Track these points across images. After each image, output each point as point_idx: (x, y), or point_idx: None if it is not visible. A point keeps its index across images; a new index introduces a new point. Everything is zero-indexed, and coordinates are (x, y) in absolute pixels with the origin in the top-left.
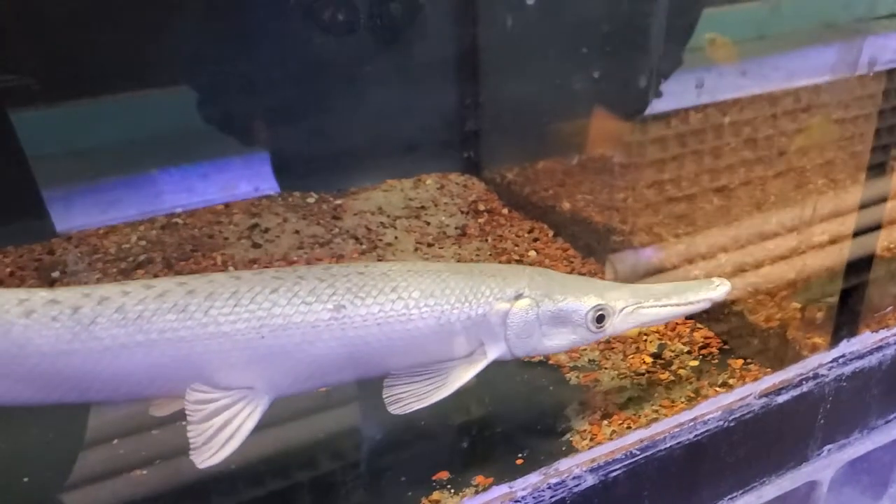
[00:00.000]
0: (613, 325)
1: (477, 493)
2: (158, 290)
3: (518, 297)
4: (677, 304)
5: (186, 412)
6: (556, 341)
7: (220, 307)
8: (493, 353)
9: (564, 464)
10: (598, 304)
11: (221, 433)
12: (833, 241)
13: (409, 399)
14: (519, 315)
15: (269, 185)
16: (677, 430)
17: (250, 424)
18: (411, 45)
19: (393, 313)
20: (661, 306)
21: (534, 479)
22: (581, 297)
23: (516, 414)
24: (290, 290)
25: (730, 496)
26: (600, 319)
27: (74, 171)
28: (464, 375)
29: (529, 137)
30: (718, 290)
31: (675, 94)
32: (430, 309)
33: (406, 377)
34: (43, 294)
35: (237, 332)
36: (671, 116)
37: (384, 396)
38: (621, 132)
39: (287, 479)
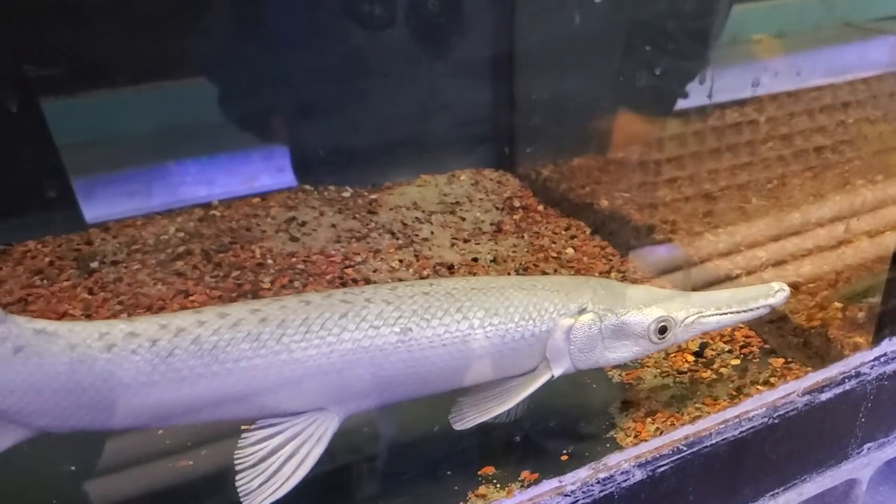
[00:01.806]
0: (675, 336)
1: (523, 487)
2: (232, 320)
3: (581, 311)
4: (737, 312)
5: (237, 459)
6: (619, 353)
7: (291, 334)
8: (557, 368)
9: (613, 459)
10: (661, 316)
11: (288, 464)
12: (875, 240)
13: (472, 413)
14: (582, 330)
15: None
16: (723, 426)
17: (319, 449)
18: (447, 39)
19: (458, 334)
20: (721, 314)
21: (583, 473)
22: (643, 309)
23: (560, 411)
24: (359, 315)
25: (771, 493)
26: (662, 331)
27: (101, 161)
28: (526, 390)
29: (565, 134)
30: (778, 295)
31: (729, 90)
32: (495, 328)
33: (471, 394)
34: (122, 326)
35: (308, 358)
36: (710, 113)
37: (450, 417)
38: (647, 131)
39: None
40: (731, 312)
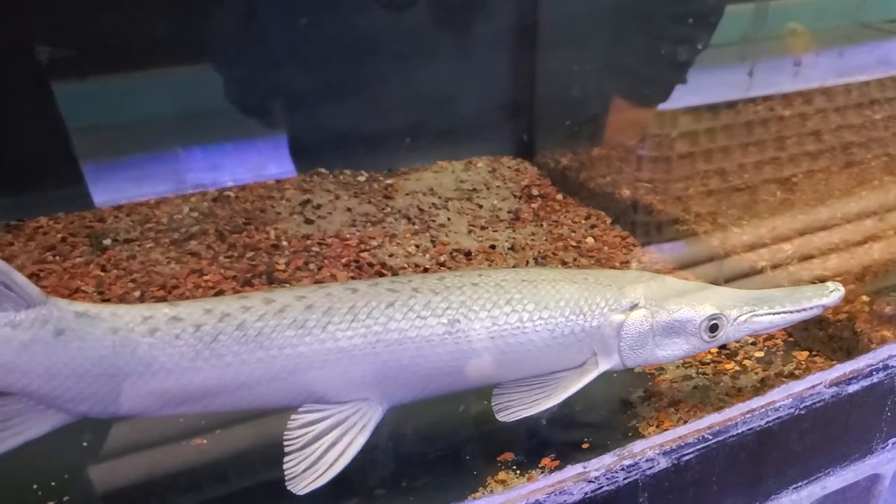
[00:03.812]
0: (726, 334)
1: (544, 474)
2: (278, 306)
3: (633, 307)
4: (790, 311)
5: (286, 441)
6: (669, 351)
7: (337, 322)
8: (606, 364)
9: (638, 446)
10: (713, 314)
11: (331, 451)
12: None
13: (517, 407)
14: (634, 326)
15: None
16: (749, 416)
17: (362, 439)
18: (468, 22)
19: (507, 327)
20: (774, 313)
21: (608, 459)
22: (696, 306)
23: (581, 399)
24: (406, 305)
25: (795, 485)
26: (714, 329)
27: (111, 144)
28: (573, 385)
29: (585, 123)
30: (832, 295)
31: (767, 82)
32: (545, 322)
33: (515, 385)
34: (165, 310)
35: (354, 347)
36: (737, 105)
37: (493, 404)
38: (645, 119)
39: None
40: (783, 312)
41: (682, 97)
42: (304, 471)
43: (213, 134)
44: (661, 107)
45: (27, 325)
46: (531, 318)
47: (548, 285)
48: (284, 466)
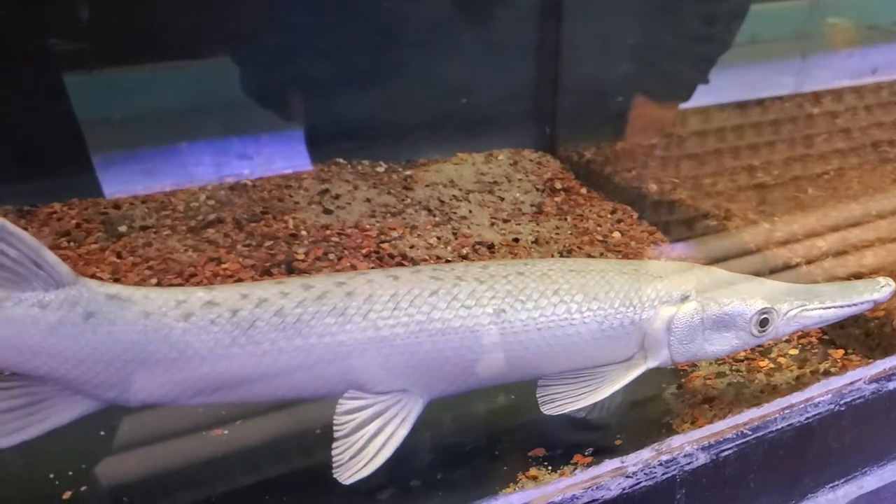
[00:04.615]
0: (776, 329)
1: (576, 471)
2: (317, 292)
3: (684, 299)
4: (841, 306)
5: (335, 426)
6: (718, 346)
7: (379, 310)
8: (655, 359)
9: (676, 441)
10: (764, 308)
11: (373, 442)
12: None
13: (563, 400)
14: (684, 319)
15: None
16: (788, 411)
17: (403, 431)
18: (491, 12)
19: (554, 318)
20: (824, 308)
21: (646, 454)
22: (747, 299)
23: (614, 396)
24: (450, 293)
25: (831, 484)
26: (764, 323)
27: (120, 137)
28: (621, 380)
29: (609, 116)
30: (883, 290)
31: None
32: (593, 313)
33: (560, 378)
34: (200, 295)
35: (396, 336)
36: (767, 102)
37: (538, 396)
38: (666, 117)
39: None
40: (834, 307)
41: (720, 93)
42: (349, 459)
43: (232, 125)
44: (691, 105)
45: (56, 305)
46: (579, 310)
47: (596, 276)
48: (332, 453)
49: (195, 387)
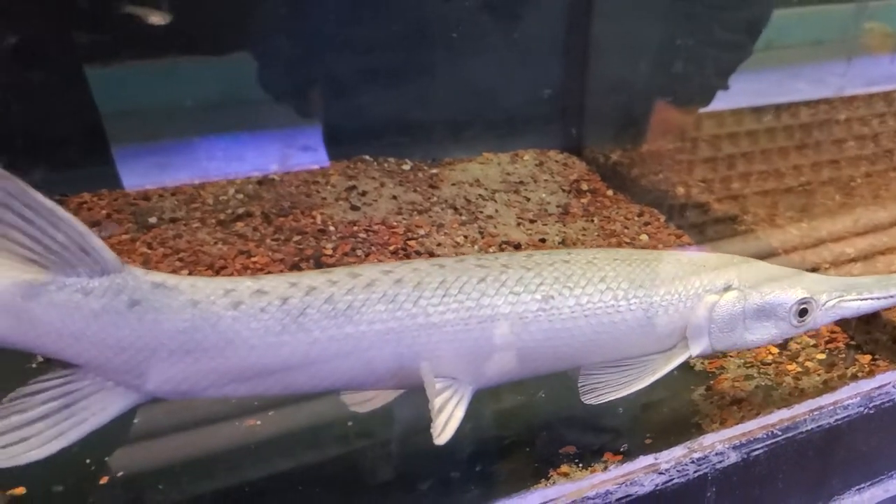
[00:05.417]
0: (815, 319)
1: (606, 468)
2: (365, 280)
3: (727, 288)
4: (878, 298)
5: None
6: (758, 335)
7: (428, 297)
8: (696, 347)
9: (708, 439)
10: (804, 298)
11: (437, 420)
12: None
13: (605, 390)
14: (726, 308)
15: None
16: (817, 412)
17: (454, 425)
18: (518, 14)
19: (601, 305)
20: (861, 300)
21: (678, 452)
22: (787, 289)
23: (643, 396)
24: (498, 280)
25: (858, 487)
26: (803, 313)
27: (140, 130)
28: (662, 368)
29: (636, 119)
30: None
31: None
32: (639, 301)
33: (601, 368)
34: (248, 283)
35: (446, 322)
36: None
37: (579, 385)
38: (686, 123)
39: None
40: (871, 298)
41: (756, 96)
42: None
43: (257, 121)
44: (724, 107)
45: (100, 292)
46: (626, 297)
47: (641, 264)
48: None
49: (241, 377)
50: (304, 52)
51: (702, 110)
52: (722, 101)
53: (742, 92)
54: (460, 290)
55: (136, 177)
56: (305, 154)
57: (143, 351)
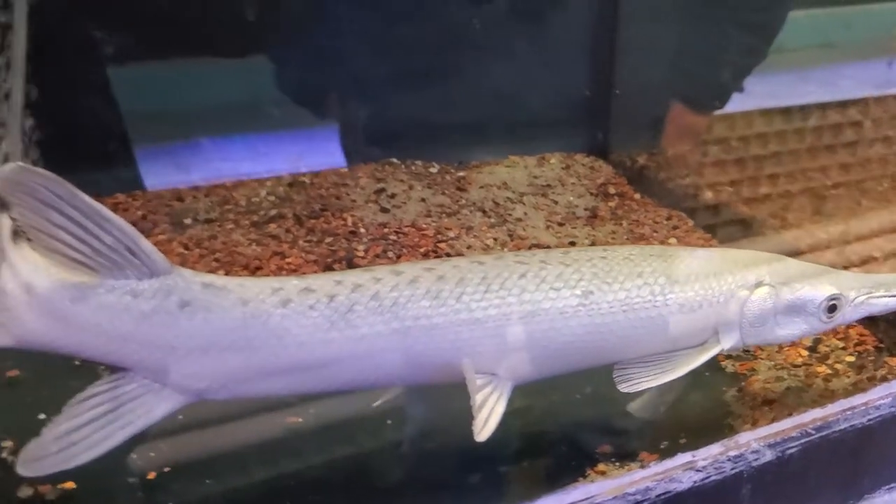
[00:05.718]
0: (843, 315)
1: (642, 467)
2: (409, 277)
3: (758, 284)
4: None
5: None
6: (788, 331)
7: (471, 293)
8: (727, 341)
9: (744, 437)
10: (833, 294)
11: (477, 417)
12: None
13: (640, 378)
14: (757, 303)
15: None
16: (850, 412)
17: (494, 421)
18: (547, 15)
19: (639, 300)
20: (891, 296)
21: (715, 449)
22: (817, 285)
23: (675, 397)
24: (538, 276)
25: (889, 486)
26: (832, 309)
27: (160, 130)
28: (695, 360)
29: (663, 122)
30: None
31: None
32: (675, 296)
33: (638, 360)
34: (295, 282)
35: (488, 318)
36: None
37: (614, 376)
38: (701, 125)
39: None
40: None
41: (783, 98)
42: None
43: (286, 123)
44: (752, 109)
45: (149, 294)
46: (662, 292)
47: (677, 260)
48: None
49: (289, 374)
50: (331, 55)
51: (718, 112)
52: (739, 103)
53: (759, 94)
54: (501, 285)
55: (163, 177)
56: (333, 156)
57: (195, 351)
